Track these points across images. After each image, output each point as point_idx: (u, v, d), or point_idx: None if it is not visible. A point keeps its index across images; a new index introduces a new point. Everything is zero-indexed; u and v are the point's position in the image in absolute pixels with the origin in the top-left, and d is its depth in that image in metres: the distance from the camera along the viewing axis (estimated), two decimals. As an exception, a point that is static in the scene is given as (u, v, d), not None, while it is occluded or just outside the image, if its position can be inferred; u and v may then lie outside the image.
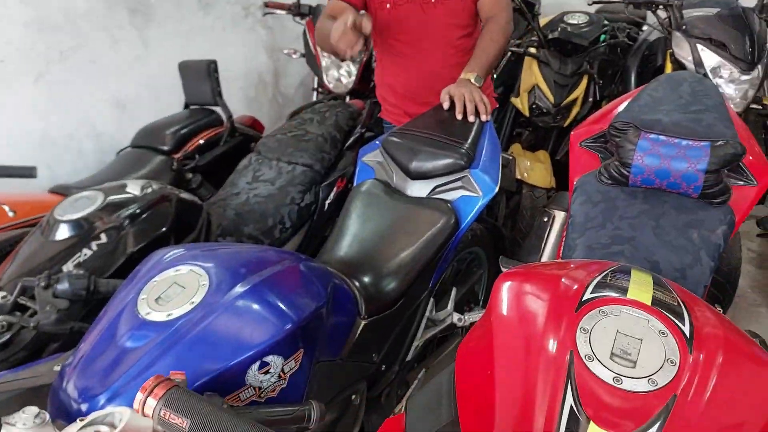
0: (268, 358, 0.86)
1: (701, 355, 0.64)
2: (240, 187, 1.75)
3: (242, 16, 2.90)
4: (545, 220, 1.57)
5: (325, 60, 2.77)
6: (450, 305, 1.54)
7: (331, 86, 2.81)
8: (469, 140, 1.46)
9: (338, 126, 1.95)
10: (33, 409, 0.73)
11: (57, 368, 0.91)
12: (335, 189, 1.88)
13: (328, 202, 1.86)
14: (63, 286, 1.07)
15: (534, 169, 2.16)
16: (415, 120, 1.60)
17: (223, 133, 2.27)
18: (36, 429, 0.72)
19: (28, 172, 1.57)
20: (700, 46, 1.82)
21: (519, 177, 2.17)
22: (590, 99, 2.24)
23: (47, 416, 0.74)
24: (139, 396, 0.49)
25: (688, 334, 0.66)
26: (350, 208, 1.45)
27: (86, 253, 1.24)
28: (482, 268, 1.83)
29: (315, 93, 2.98)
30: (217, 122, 2.29)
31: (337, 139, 1.92)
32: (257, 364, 0.85)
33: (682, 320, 0.68)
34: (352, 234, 1.38)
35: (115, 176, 1.96)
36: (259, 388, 0.86)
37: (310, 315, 0.94)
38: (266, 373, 0.86)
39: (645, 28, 2.21)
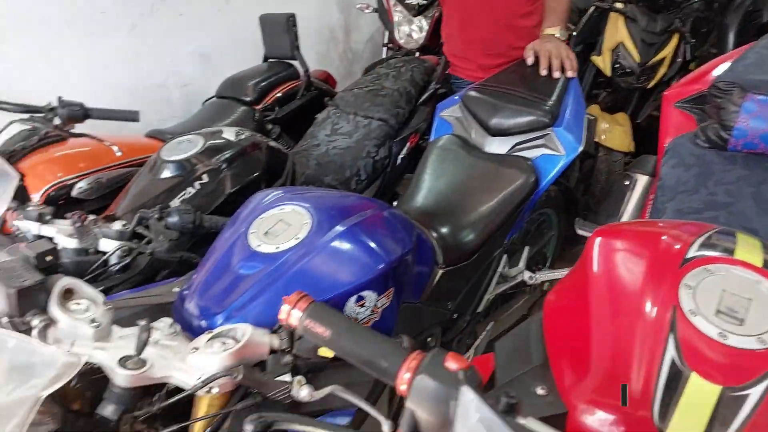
0: (364, 293, 0.93)
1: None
2: (320, 139, 1.82)
3: (318, -30, 2.91)
4: (626, 183, 1.55)
5: (397, 15, 2.76)
6: (522, 263, 1.57)
7: (401, 42, 2.81)
8: (554, 97, 1.45)
9: (413, 81, 1.96)
10: (168, 320, 0.84)
11: (176, 290, 1.02)
12: (408, 144, 1.92)
13: (400, 156, 1.90)
14: (173, 219, 1.18)
15: (612, 132, 2.10)
16: (496, 75, 1.60)
17: (300, 87, 2.33)
18: (171, 337, 0.83)
19: (132, 116, 1.69)
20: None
21: (596, 139, 2.12)
22: (679, 59, 2.12)
23: (179, 327, 0.86)
24: (285, 308, 0.56)
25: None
26: (427, 161, 1.49)
27: (190, 191, 1.35)
28: (553, 230, 1.83)
29: (385, 49, 2.99)
30: (294, 76, 2.36)
31: (411, 94, 1.94)
32: (354, 297, 0.92)
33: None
34: (429, 186, 1.42)
35: (203, 124, 2.08)
36: (356, 319, 0.94)
37: (400, 258, 1.01)
38: (362, 306, 0.94)
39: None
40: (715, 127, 1.17)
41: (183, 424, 0.81)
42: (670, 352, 0.62)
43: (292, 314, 0.55)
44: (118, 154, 1.67)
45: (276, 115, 2.24)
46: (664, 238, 0.75)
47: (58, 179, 1.59)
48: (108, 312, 0.76)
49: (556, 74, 1.50)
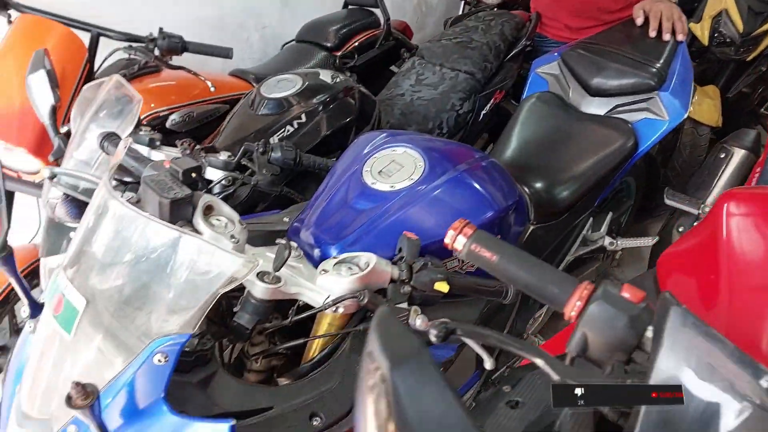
0: (473, 236, 0.96)
1: None
2: (404, 89, 1.82)
3: None
4: (722, 156, 1.51)
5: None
6: (604, 228, 1.56)
7: (482, -5, 2.72)
8: (662, 60, 1.41)
9: (503, 36, 1.92)
10: (294, 244, 0.88)
11: (286, 219, 1.07)
12: (492, 100, 1.90)
13: (483, 112, 1.88)
14: (276, 154, 1.21)
15: (701, 104, 2.02)
16: (601, 34, 1.56)
17: (379, 36, 2.31)
18: (297, 259, 0.88)
19: (225, 53, 1.72)
20: None
21: (683, 111, 2.05)
22: (786, 33, 2.00)
23: (302, 252, 0.91)
24: (451, 233, 0.59)
25: None
26: (520, 116, 1.48)
27: (288, 129, 1.39)
28: (631, 199, 1.81)
29: (462, 4, 2.91)
30: (374, 24, 2.33)
31: (500, 49, 1.90)
32: (467, 239, 0.95)
33: None
34: (522, 141, 1.42)
35: (284, 66, 2.10)
36: (462, 261, 0.97)
37: (507, 207, 1.03)
38: (468, 250, 0.96)
39: None
40: None
41: (305, 340, 0.87)
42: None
43: (458, 239, 0.58)
44: (212, 89, 1.71)
45: (355, 63, 2.24)
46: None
47: (152, 110, 1.64)
48: (244, 230, 0.80)
49: (666, 36, 1.44)
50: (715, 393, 0.37)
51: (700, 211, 1.33)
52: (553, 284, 0.52)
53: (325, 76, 1.51)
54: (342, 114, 1.46)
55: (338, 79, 1.51)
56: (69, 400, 0.58)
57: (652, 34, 1.45)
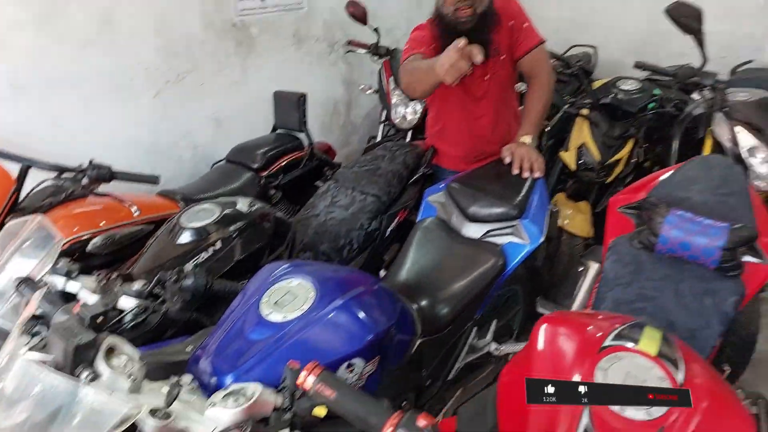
0: (354, 360, 1.12)
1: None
2: (319, 209, 2.04)
3: (327, 52, 3.25)
4: (580, 269, 1.79)
5: (395, 97, 3.07)
6: (489, 335, 1.78)
7: (396, 121, 3.10)
8: (522, 193, 1.71)
9: (405, 164, 2.22)
10: (189, 377, 1.01)
11: (189, 349, 1.19)
12: (397, 219, 2.15)
13: (389, 229, 2.12)
14: (188, 281, 1.33)
15: (574, 219, 2.37)
16: (477, 170, 1.87)
17: (303, 157, 2.59)
18: (191, 391, 0.99)
19: (153, 180, 1.89)
20: (737, 128, 2.01)
21: (560, 224, 2.39)
22: (633, 160, 2.44)
23: (197, 384, 1.03)
24: (303, 374, 0.76)
25: (680, 382, 0.89)
26: (413, 240, 1.72)
27: (203, 256, 1.55)
28: (519, 305, 2.05)
29: (381, 125, 3.28)
30: (299, 147, 2.61)
31: (403, 176, 2.19)
32: (346, 364, 1.10)
33: (678, 370, 0.91)
34: (413, 263, 1.64)
35: (212, 186, 2.31)
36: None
37: (386, 329, 1.20)
38: (351, 372, 1.12)
39: (691, 101, 2.39)
40: (647, 233, 1.43)
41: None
42: (584, 420, 0.83)
43: (307, 379, 0.75)
44: (136, 213, 1.85)
45: (279, 182, 2.48)
46: (590, 328, 0.98)
47: (75, 234, 1.71)
48: (143, 367, 0.90)
49: (525, 174, 1.77)
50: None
51: (566, 317, 1.57)
52: (373, 415, 0.69)
53: (243, 204, 1.71)
54: (255, 239, 1.65)
55: (254, 207, 1.71)
56: None
57: (515, 172, 1.78)
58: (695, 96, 2.31)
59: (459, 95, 2.01)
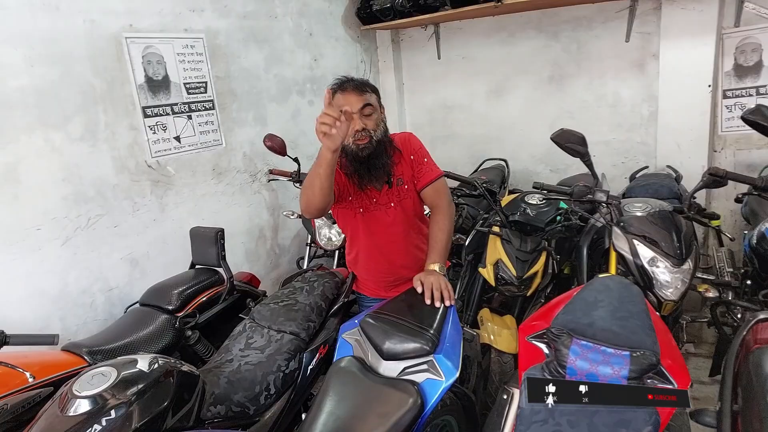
0: None
1: None
2: (233, 354, 1.95)
3: (249, 182, 3.31)
4: (504, 397, 1.76)
5: (318, 221, 3.13)
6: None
7: (322, 243, 3.14)
8: (434, 326, 1.71)
9: (324, 296, 2.20)
10: None
11: None
12: (318, 355, 2.08)
13: (310, 367, 2.04)
14: None
15: (501, 335, 2.38)
16: (389, 303, 1.87)
17: (222, 292, 2.52)
18: None
19: (50, 340, 1.78)
20: (635, 242, 2.15)
21: (488, 341, 2.39)
22: (550, 271, 2.54)
23: None
24: None
25: None
26: (329, 384, 1.65)
27: (96, 428, 1.41)
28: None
29: (308, 247, 3.31)
30: (218, 282, 2.55)
31: (322, 308, 2.16)
32: None
33: None
34: (328, 412, 1.56)
35: (124, 334, 2.18)
36: None
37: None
38: None
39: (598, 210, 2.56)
40: (555, 365, 1.44)
41: None
42: None
43: None
44: (30, 379, 1.71)
45: (197, 321, 2.38)
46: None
47: None
48: None
49: (438, 303, 1.79)
50: None
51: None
52: None
53: (143, 363, 1.60)
54: (157, 401, 1.52)
55: (156, 365, 1.61)
56: None
57: (427, 302, 1.80)
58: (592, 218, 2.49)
59: (367, 224, 2.08)
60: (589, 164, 2.30)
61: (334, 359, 1.78)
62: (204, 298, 2.48)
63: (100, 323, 2.55)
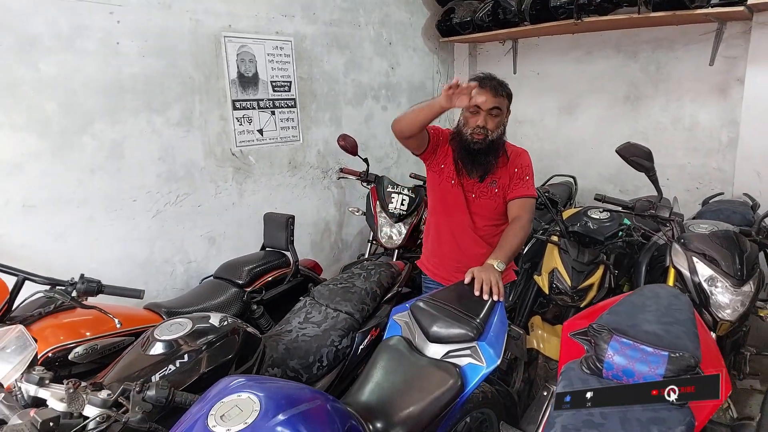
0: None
1: None
2: (293, 326, 2.12)
3: (320, 178, 3.53)
4: (545, 394, 1.80)
5: (381, 219, 3.28)
6: (456, 458, 1.74)
7: (383, 241, 3.28)
8: (481, 316, 1.78)
9: (380, 283, 2.33)
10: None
11: (139, 459, 1.23)
12: (369, 337, 2.20)
13: (361, 347, 2.17)
14: (151, 392, 1.40)
15: (550, 342, 2.40)
16: (440, 291, 1.96)
17: (288, 274, 2.72)
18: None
19: (137, 294, 2.01)
20: (695, 259, 2.11)
21: (536, 347, 2.41)
22: (606, 285, 2.52)
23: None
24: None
25: None
26: (377, 358, 1.76)
27: (171, 368, 1.60)
28: (493, 429, 2.02)
29: (369, 244, 3.46)
30: (285, 264, 2.75)
31: (377, 294, 2.29)
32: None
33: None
34: (374, 382, 1.67)
35: (197, 300, 2.41)
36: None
37: (328, 448, 1.23)
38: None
39: (656, 234, 2.53)
40: (593, 359, 1.47)
41: None
42: None
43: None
44: (118, 325, 1.95)
45: (262, 297, 2.58)
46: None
47: (60, 342, 1.83)
48: None
49: (485, 297, 1.86)
50: None
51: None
52: None
53: (215, 319, 1.80)
54: (222, 353, 1.71)
55: (226, 323, 1.80)
56: None
57: (476, 293, 1.87)
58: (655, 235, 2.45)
59: (448, 199, 2.22)
60: (654, 180, 2.28)
61: (384, 338, 1.90)
62: (270, 278, 2.68)
63: (177, 291, 2.81)
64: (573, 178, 3.96)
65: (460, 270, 2.19)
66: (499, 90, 2.04)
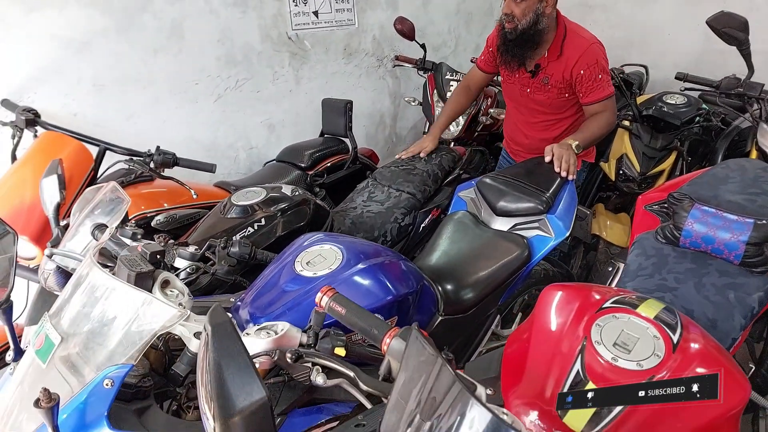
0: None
1: (680, 357, 0.90)
2: (357, 203, 2.17)
3: (375, 66, 3.43)
4: (609, 269, 1.81)
5: (438, 109, 3.19)
6: (515, 326, 1.81)
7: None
8: (551, 191, 1.76)
9: (441, 166, 2.32)
10: (228, 315, 1.15)
11: (232, 300, 1.34)
12: (430, 216, 2.24)
13: (422, 225, 2.21)
14: (234, 248, 1.49)
15: (613, 228, 2.37)
16: (509, 168, 1.94)
17: (347, 160, 2.74)
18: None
19: (209, 168, 2.09)
20: (784, 138, 1.98)
21: (598, 233, 2.40)
22: (677, 173, 2.42)
23: (235, 323, 1.16)
24: (319, 295, 0.87)
25: (675, 342, 0.93)
26: (443, 229, 1.80)
27: (249, 230, 1.69)
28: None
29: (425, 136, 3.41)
30: (344, 150, 2.77)
31: (438, 176, 2.29)
32: (365, 317, 1.21)
33: (674, 333, 0.95)
34: (441, 249, 1.72)
35: (262, 181, 2.47)
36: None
37: (404, 294, 1.29)
38: (370, 326, 1.22)
39: (738, 117, 2.37)
40: (671, 227, 1.45)
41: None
42: (576, 366, 0.88)
43: (323, 299, 0.86)
44: (194, 196, 2.05)
45: (323, 181, 2.63)
46: (593, 293, 1.03)
47: (142, 211, 1.95)
48: (190, 301, 1.07)
49: (562, 172, 1.83)
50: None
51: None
52: (376, 328, 0.79)
53: (287, 189, 1.86)
54: (296, 219, 1.78)
55: (297, 193, 1.86)
56: (37, 402, 0.81)
57: (556, 169, 1.84)
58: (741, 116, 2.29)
59: (509, 90, 2.26)
60: (746, 54, 2.10)
61: (449, 213, 1.92)
62: (330, 163, 2.71)
63: (240, 175, 2.91)
64: (645, 67, 3.68)
65: (531, 151, 2.25)
66: None
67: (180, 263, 1.51)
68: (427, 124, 3.35)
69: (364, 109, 3.48)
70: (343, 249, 1.31)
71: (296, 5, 2.90)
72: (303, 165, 2.60)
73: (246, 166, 2.94)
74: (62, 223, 1.57)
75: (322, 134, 2.90)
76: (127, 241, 1.49)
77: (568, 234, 1.69)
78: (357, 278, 1.24)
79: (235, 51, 2.75)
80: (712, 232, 1.38)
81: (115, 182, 1.45)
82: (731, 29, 2.01)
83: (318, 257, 1.30)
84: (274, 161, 2.71)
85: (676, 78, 2.36)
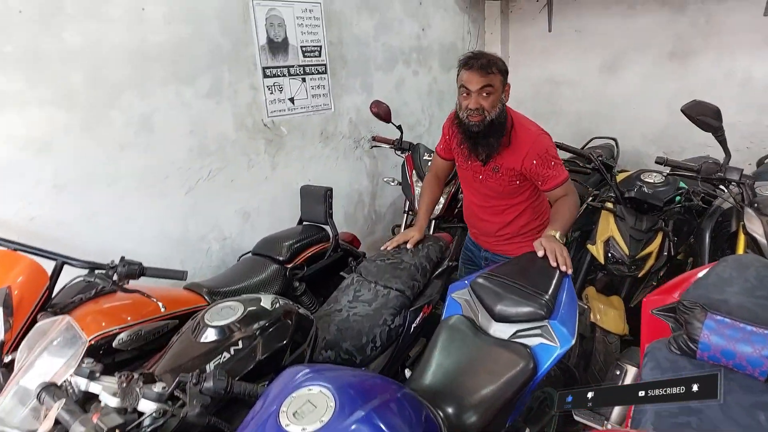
0: (377, 477, 1.05)
1: None
2: (342, 305, 2.02)
3: (353, 148, 3.39)
4: (617, 373, 1.69)
5: (418, 188, 3.14)
6: (522, 443, 1.66)
7: (421, 211, 3.15)
8: (550, 292, 1.66)
9: (429, 257, 2.22)
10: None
11: (207, 457, 1.15)
12: (421, 314, 2.11)
13: (414, 325, 2.07)
14: (209, 384, 1.31)
15: (607, 314, 2.28)
16: (503, 266, 1.85)
17: (328, 249, 2.61)
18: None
19: (180, 275, 1.92)
20: (772, 224, 1.96)
21: (593, 320, 2.30)
22: (665, 253, 2.38)
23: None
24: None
25: None
26: (438, 340, 1.66)
27: (225, 356, 1.52)
28: (554, 408, 1.93)
29: (405, 214, 3.33)
30: (324, 239, 2.65)
31: (427, 269, 2.18)
32: (368, 480, 1.04)
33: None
34: (438, 364, 1.58)
35: (238, 279, 2.32)
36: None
37: (410, 441, 1.14)
38: (374, 488, 1.05)
39: (720, 192, 2.37)
40: (684, 338, 1.35)
41: None
42: None
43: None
44: (162, 309, 1.87)
45: (304, 274, 2.49)
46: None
47: (103, 329, 1.73)
48: None
49: (563, 268, 1.74)
50: None
51: (603, 428, 1.46)
52: None
53: (266, 301, 1.70)
54: (278, 338, 1.61)
55: (278, 305, 1.70)
56: None
57: (553, 264, 1.75)
58: (723, 189, 2.29)
59: (466, 181, 2.29)
60: (722, 140, 2.12)
61: (443, 317, 1.79)
62: (310, 253, 2.58)
63: (213, 269, 2.74)
64: (614, 140, 3.76)
65: (487, 235, 2.30)
66: (489, 67, 1.92)
67: (145, 405, 1.32)
68: (407, 202, 3.28)
69: (342, 189, 3.40)
70: (335, 392, 1.15)
71: (272, 93, 2.86)
72: (281, 258, 2.46)
73: (219, 258, 2.77)
74: (7, 359, 1.37)
75: (300, 221, 2.79)
76: (83, 384, 1.30)
77: (573, 341, 1.58)
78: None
79: (208, 141, 2.65)
80: (731, 346, 1.29)
81: (70, 318, 1.28)
82: (705, 117, 2.04)
83: (307, 404, 1.14)
84: (250, 254, 2.56)
85: (656, 162, 2.36)
